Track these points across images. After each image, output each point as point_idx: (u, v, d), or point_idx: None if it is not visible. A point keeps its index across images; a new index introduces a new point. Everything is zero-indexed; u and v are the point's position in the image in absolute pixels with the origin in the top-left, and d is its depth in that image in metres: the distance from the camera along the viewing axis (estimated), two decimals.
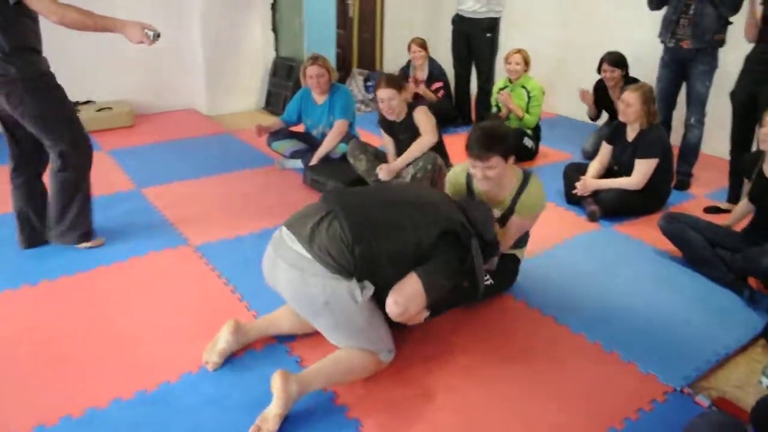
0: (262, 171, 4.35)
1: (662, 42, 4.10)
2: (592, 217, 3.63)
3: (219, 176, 4.21)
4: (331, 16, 5.96)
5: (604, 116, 4.93)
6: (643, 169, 3.59)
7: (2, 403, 2.04)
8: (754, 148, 3.71)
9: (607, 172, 3.86)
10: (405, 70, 5.53)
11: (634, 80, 4.45)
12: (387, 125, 3.78)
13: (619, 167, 3.81)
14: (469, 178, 2.66)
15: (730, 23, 3.85)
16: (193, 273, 2.91)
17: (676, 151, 3.99)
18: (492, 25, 5.06)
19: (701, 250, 2.98)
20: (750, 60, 3.62)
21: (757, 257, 2.77)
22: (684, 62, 4.03)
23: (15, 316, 2.53)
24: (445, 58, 5.51)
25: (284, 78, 5.83)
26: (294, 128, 4.49)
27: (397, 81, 3.64)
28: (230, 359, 2.25)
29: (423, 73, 5.38)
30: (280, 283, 2.11)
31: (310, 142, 4.37)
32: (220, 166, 4.38)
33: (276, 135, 4.41)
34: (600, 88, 4.76)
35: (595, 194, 3.71)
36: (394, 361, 2.21)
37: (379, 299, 2.06)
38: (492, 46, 5.14)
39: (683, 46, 3.95)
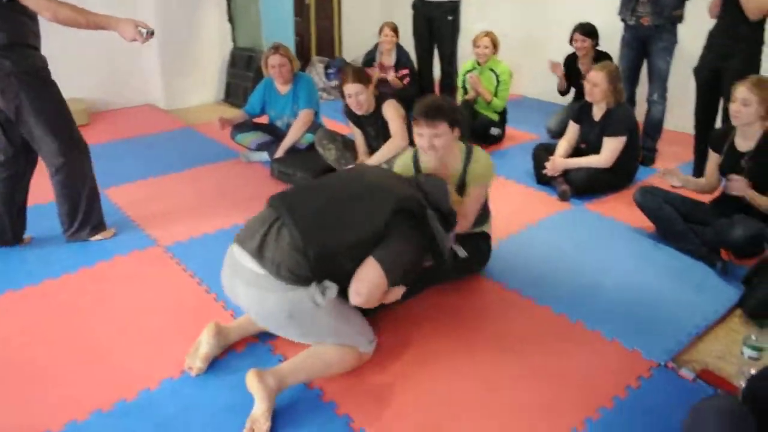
0: (227, 165, 4.24)
1: (623, 20, 4.14)
2: (564, 197, 3.65)
3: (183, 173, 4.08)
4: (287, 3, 5.85)
5: (572, 94, 4.95)
6: (611, 146, 3.62)
7: None
8: (718, 123, 3.78)
9: (575, 152, 3.89)
10: (371, 54, 5.43)
11: (605, 54, 4.49)
12: (355, 118, 3.71)
13: (587, 146, 3.84)
14: (415, 158, 2.67)
15: None
16: (164, 274, 2.82)
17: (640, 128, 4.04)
18: (453, 8, 5.02)
19: (675, 223, 3.03)
20: (713, 35, 3.63)
21: (726, 229, 2.82)
22: (644, 40, 4.07)
23: None
24: (404, 43, 5.44)
25: (243, 69, 5.70)
26: (258, 120, 4.40)
27: (364, 75, 3.55)
28: (212, 362, 2.18)
29: (390, 59, 5.29)
30: (241, 300, 2.09)
31: (275, 134, 4.28)
32: (183, 162, 4.25)
33: (240, 127, 4.31)
34: (569, 64, 4.78)
35: (565, 174, 3.73)
36: (377, 352, 2.18)
37: (344, 292, 2.02)
38: (454, 29, 5.10)
39: (644, 23, 3.98)
